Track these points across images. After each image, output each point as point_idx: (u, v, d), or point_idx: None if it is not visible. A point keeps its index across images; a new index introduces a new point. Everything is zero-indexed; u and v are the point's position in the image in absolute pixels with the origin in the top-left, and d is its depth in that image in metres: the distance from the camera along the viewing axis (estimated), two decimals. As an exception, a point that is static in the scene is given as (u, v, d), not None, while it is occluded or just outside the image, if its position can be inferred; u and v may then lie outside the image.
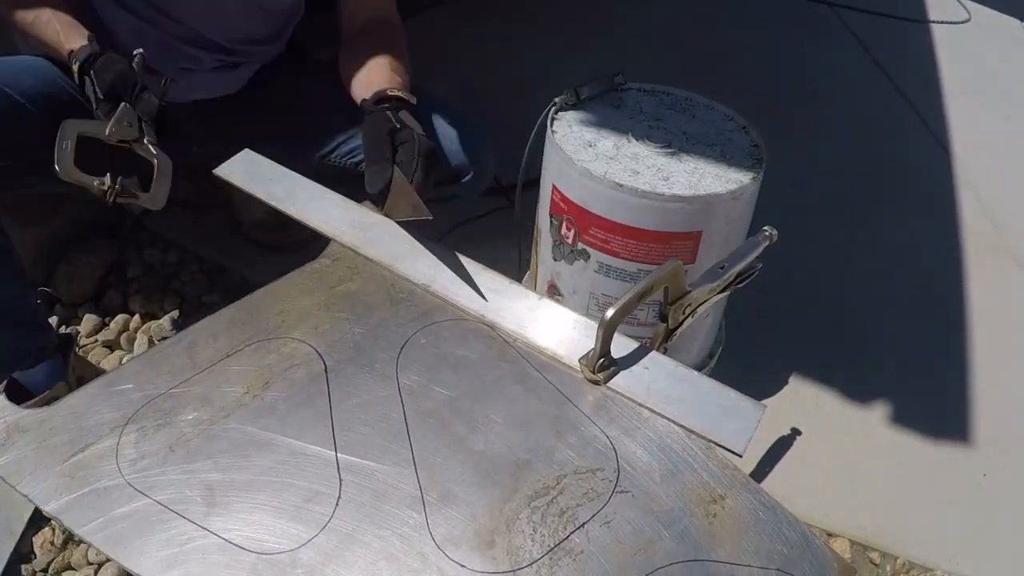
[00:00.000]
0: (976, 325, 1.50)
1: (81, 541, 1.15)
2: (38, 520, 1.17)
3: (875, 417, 1.32)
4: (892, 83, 2.17)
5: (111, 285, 1.47)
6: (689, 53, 2.19)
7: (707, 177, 1.04)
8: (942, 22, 2.46)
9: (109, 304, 1.44)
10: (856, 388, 1.36)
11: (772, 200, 1.78)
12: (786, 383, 1.36)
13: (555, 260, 1.15)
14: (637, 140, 1.10)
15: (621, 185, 1.00)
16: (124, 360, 1.36)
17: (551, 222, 1.13)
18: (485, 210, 1.59)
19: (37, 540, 1.15)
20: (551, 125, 1.13)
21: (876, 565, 1.14)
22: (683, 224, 1.02)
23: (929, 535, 1.16)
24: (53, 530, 1.16)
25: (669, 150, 1.08)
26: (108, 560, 1.13)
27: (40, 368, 1.15)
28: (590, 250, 1.08)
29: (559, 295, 1.18)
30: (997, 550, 1.15)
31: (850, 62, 2.28)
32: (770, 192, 1.81)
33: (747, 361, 1.38)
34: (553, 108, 1.15)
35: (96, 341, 1.40)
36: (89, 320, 1.41)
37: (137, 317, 1.41)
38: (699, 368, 1.23)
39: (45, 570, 1.13)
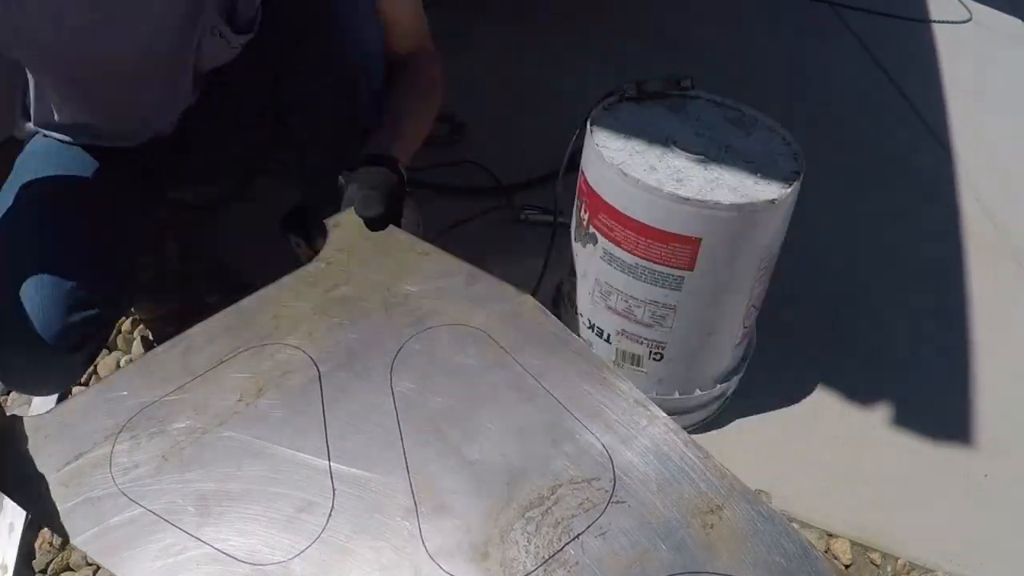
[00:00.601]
0: (977, 325, 1.49)
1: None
2: (37, 522, 1.17)
3: (875, 417, 1.32)
4: (892, 82, 2.16)
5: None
6: (687, 52, 2.18)
7: (721, 188, 1.01)
8: (943, 21, 2.45)
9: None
10: (856, 388, 1.35)
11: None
12: (786, 384, 1.35)
13: (575, 240, 1.17)
14: (673, 143, 1.08)
15: (626, 174, 1.00)
16: (123, 361, 1.35)
17: (576, 203, 1.15)
18: (485, 210, 1.59)
19: (36, 541, 1.15)
20: (601, 114, 1.13)
21: (877, 566, 1.14)
22: (680, 226, 1.01)
23: (930, 536, 1.16)
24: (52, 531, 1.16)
25: (698, 157, 1.06)
26: (106, 563, 1.13)
27: None
28: (598, 235, 1.09)
29: (573, 275, 1.19)
30: (999, 551, 1.15)
31: (850, 61, 2.27)
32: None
33: (748, 363, 1.38)
34: (610, 98, 1.15)
35: (93, 343, 1.40)
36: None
37: (129, 320, 1.41)
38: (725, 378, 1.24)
39: (44, 571, 1.13)
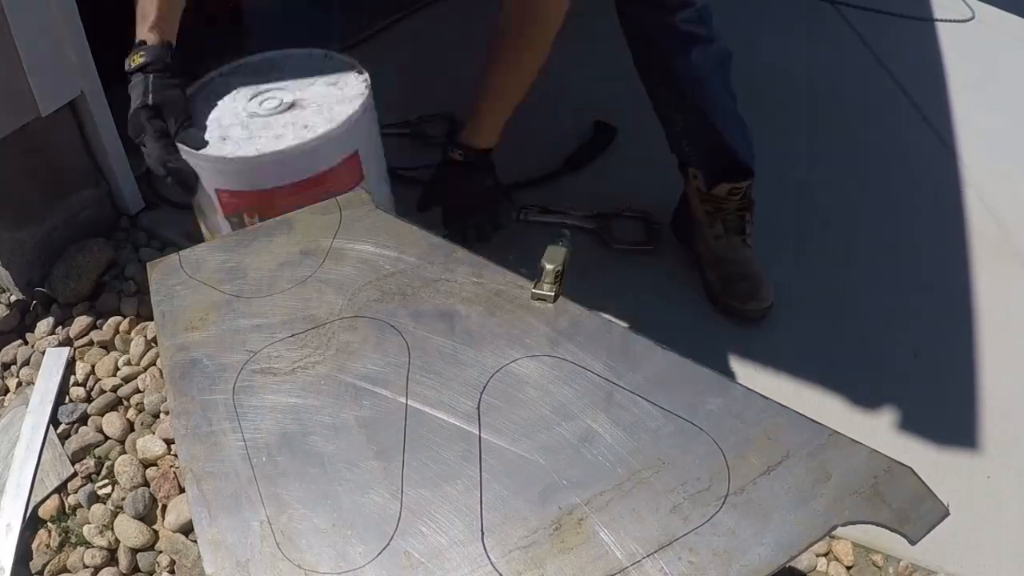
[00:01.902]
0: (980, 326, 1.48)
1: (78, 544, 1.15)
2: (34, 522, 1.17)
3: (877, 418, 1.31)
4: (895, 81, 2.15)
5: (107, 284, 1.47)
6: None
7: (333, 105, 1.13)
8: (946, 20, 2.44)
9: (103, 306, 1.44)
10: (858, 389, 1.35)
11: (773, 199, 1.76)
12: (789, 386, 1.34)
13: None
14: (258, 115, 1.15)
15: (283, 150, 1.07)
16: (120, 361, 1.35)
17: (231, 224, 1.16)
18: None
19: (33, 542, 1.14)
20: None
21: (879, 568, 1.13)
22: (341, 151, 1.12)
23: (933, 537, 1.14)
24: (49, 532, 1.16)
25: (287, 105, 1.15)
26: (105, 566, 1.13)
27: None
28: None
29: None
30: (1001, 552, 1.14)
31: (852, 60, 2.26)
32: (771, 190, 1.79)
33: (749, 364, 1.37)
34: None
35: (91, 343, 1.39)
36: (79, 321, 1.40)
37: (127, 321, 1.41)
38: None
39: (40, 572, 1.12)
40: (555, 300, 0.76)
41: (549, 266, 0.77)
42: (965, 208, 1.75)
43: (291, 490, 0.64)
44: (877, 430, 1.29)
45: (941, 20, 2.44)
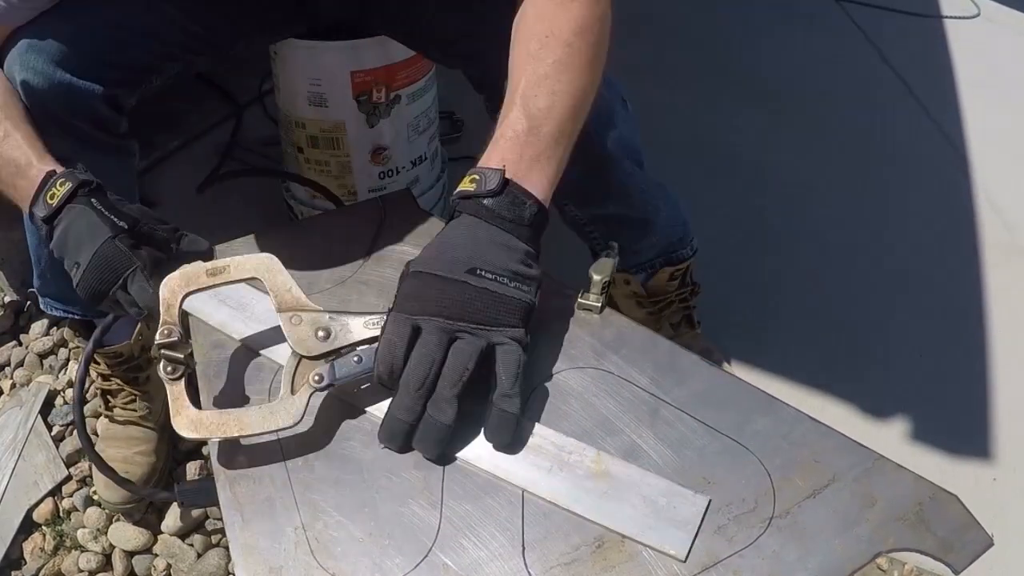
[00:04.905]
0: (986, 327, 1.48)
1: (73, 548, 1.14)
2: (28, 526, 1.15)
3: (883, 420, 1.31)
4: (899, 79, 2.15)
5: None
6: (689, 48, 2.16)
7: None
8: (951, 17, 2.43)
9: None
10: (864, 391, 1.34)
11: (776, 198, 1.75)
12: (792, 386, 1.34)
13: (372, 127, 1.34)
14: None
15: None
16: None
17: (359, 103, 1.29)
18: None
19: (27, 546, 1.13)
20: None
21: (884, 571, 1.13)
22: None
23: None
24: (43, 536, 1.14)
25: None
26: (100, 570, 1.11)
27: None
28: (401, 91, 1.32)
29: (385, 150, 1.38)
30: (1008, 555, 1.13)
31: (856, 58, 2.26)
32: (774, 190, 1.78)
33: (751, 363, 1.36)
34: None
35: (91, 342, 1.37)
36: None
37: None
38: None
39: (36, 576, 1.11)
40: (601, 311, 0.74)
41: (597, 277, 0.75)
42: (970, 206, 1.75)
43: (327, 496, 0.63)
44: (882, 432, 1.28)
45: (946, 17, 2.43)
